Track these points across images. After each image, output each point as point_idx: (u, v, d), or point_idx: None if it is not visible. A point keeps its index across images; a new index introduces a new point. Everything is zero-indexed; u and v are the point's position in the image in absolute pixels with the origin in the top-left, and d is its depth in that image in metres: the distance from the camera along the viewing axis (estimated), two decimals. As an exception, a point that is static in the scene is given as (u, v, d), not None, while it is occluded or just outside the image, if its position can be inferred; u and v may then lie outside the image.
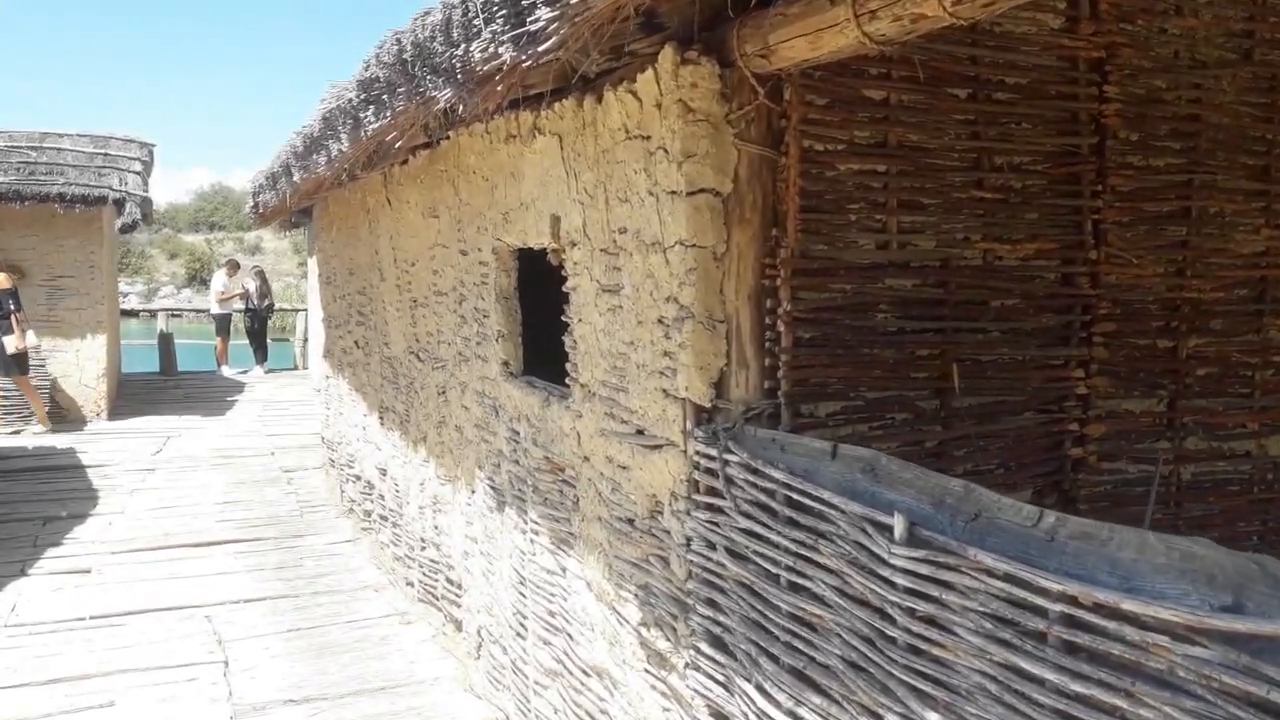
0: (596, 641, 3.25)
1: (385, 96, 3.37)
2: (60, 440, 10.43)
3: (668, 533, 2.76)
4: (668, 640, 2.79)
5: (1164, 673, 1.41)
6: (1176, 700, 1.37)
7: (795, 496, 2.19)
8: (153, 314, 18.98)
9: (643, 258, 2.75)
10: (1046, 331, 3.00)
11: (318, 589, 6.04)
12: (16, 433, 10.75)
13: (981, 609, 1.70)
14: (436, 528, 5.22)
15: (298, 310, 17.79)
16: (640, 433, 2.88)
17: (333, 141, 4.51)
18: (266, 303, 15.75)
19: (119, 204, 11.27)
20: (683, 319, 2.57)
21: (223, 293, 15.38)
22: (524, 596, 3.94)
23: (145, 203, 11.63)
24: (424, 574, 5.47)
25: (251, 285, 15.58)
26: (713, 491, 2.54)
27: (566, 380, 3.41)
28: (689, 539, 2.65)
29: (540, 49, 2.11)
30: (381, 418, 6.42)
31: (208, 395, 13.26)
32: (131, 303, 25.16)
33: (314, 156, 5.16)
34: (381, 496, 6.49)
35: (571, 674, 3.48)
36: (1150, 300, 3.17)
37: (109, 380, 11.75)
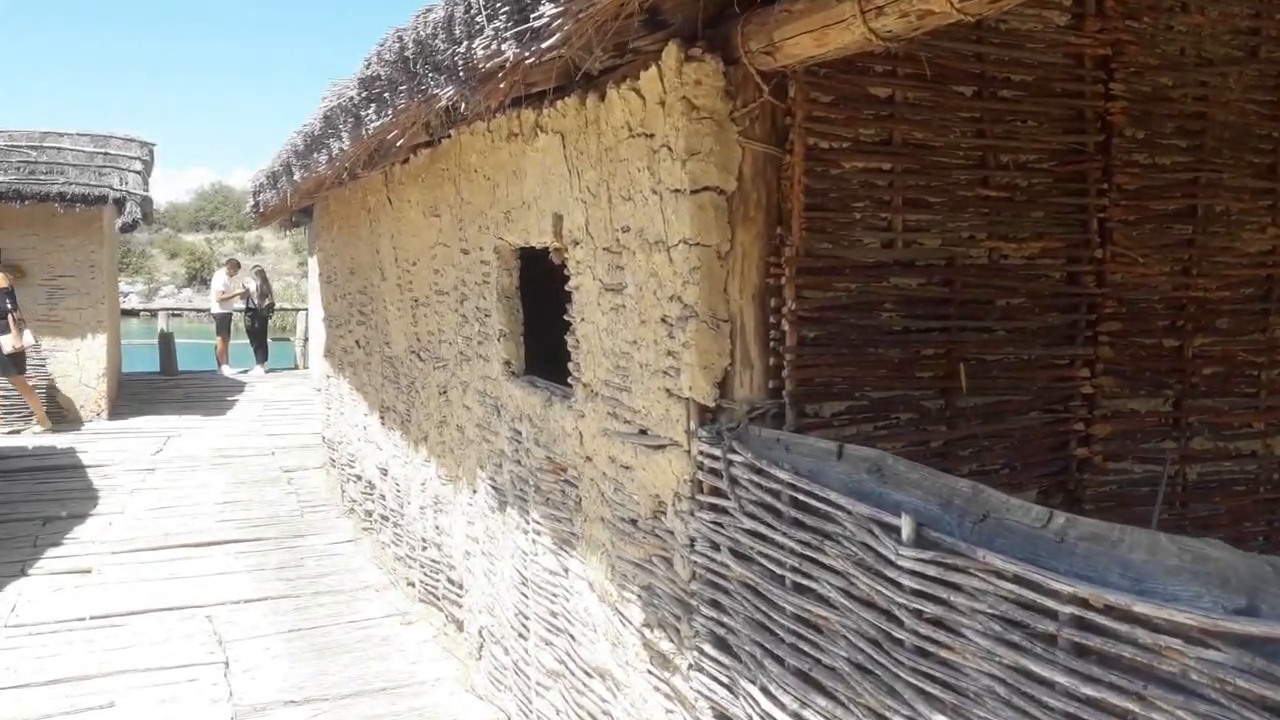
0: (599, 642, 3.23)
1: (387, 94, 3.35)
2: (60, 440, 10.42)
3: (671, 533, 2.74)
4: (671, 641, 2.77)
5: (1177, 676, 1.39)
6: (1190, 704, 1.36)
7: (801, 497, 2.17)
8: (153, 313, 18.97)
9: (646, 256, 2.74)
10: (1052, 331, 2.98)
11: (319, 589, 6.02)
12: (16, 432, 10.73)
13: (990, 611, 1.68)
14: (438, 528, 5.20)
15: (298, 310, 17.77)
16: (643, 433, 2.86)
17: (334, 140, 4.49)
18: (267, 302, 15.74)
19: (119, 203, 11.26)
20: (686, 318, 2.56)
21: (223, 292, 15.37)
22: (526, 597, 3.92)
23: (145, 202, 11.61)
24: (425, 574, 5.45)
25: (252, 285, 15.57)
26: (717, 492, 2.52)
27: (569, 380, 3.39)
28: (693, 539, 2.63)
29: (544, 45, 2.09)
30: (382, 417, 6.41)
31: (208, 395, 13.24)
32: (132, 302, 25.15)
33: (315, 155, 5.15)
34: (382, 496, 6.47)
35: (574, 675, 3.46)
36: (1156, 299, 3.15)
37: (109, 380, 11.73)
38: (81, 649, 5.03)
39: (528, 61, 2.24)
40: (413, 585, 5.70)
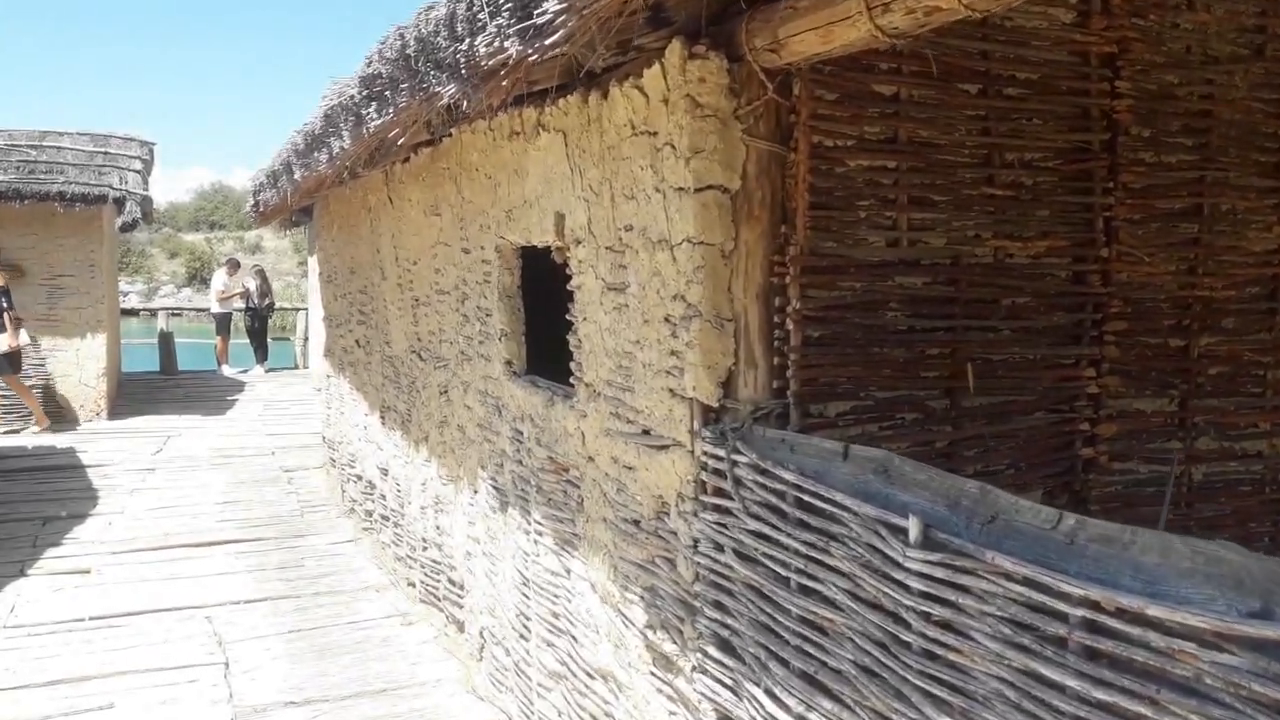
0: (601, 644, 3.22)
1: (388, 93, 3.33)
2: (60, 440, 10.40)
3: (674, 534, 2.72)
4: (674, 643, 2.76)
5: (1190, 680, 1.37)
6: (1204, 708, 1.34)
7: (806, 498, 2.15)
8: (153, 313, 18.95)
9: (649, 255, 2.72)
10: (1057, 330, 2.96)
11: (319, 589, 6.00)
12: (16, 432, 10.71)
13: (999, 613, 1.67)
14: (438, 528, 5.18)
15: (298, 309, 17.75)
16: (646, 433, 2.84)
17: (334, 139, 4.47)
18: (267, 302, 15.71)
19: (119, 203, 11.23)
20: (690, 317, 2.54)
21: (223, 292, 15.35)
22: (527, 598, 3.90)
23: (145, 201, 11.59)
24: (426, 574, 5.44)
25: (252, 284, 15.55)
26: (720, 492, 2.51)
27: (571, 380, 3.37)
28: (696, 540, 2.61)
29: (547, 42, 2.07)
30: (383, 417, 6.39)
31: (208, 394, 13.22)
32: (132, 302, 25.12)
33: (315, 154, 5.13)
34: (383, 496, 6.45)
35: (576, 676, 3.45)
36: (1162, 298, 3.13)
37: (109, 379, 11.71)
38: (81, 650, 5.01)
39: (531, 59, 2.22)
40: (413, 586, 5.68)
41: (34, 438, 10.48)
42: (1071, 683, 1.53)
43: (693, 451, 2.60)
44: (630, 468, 2.95)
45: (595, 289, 3.09)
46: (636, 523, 2.94)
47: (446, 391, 4.89)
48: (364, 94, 3.64)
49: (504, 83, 2.53)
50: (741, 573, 2.42)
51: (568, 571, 3.50)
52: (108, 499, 8.07)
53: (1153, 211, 3.08)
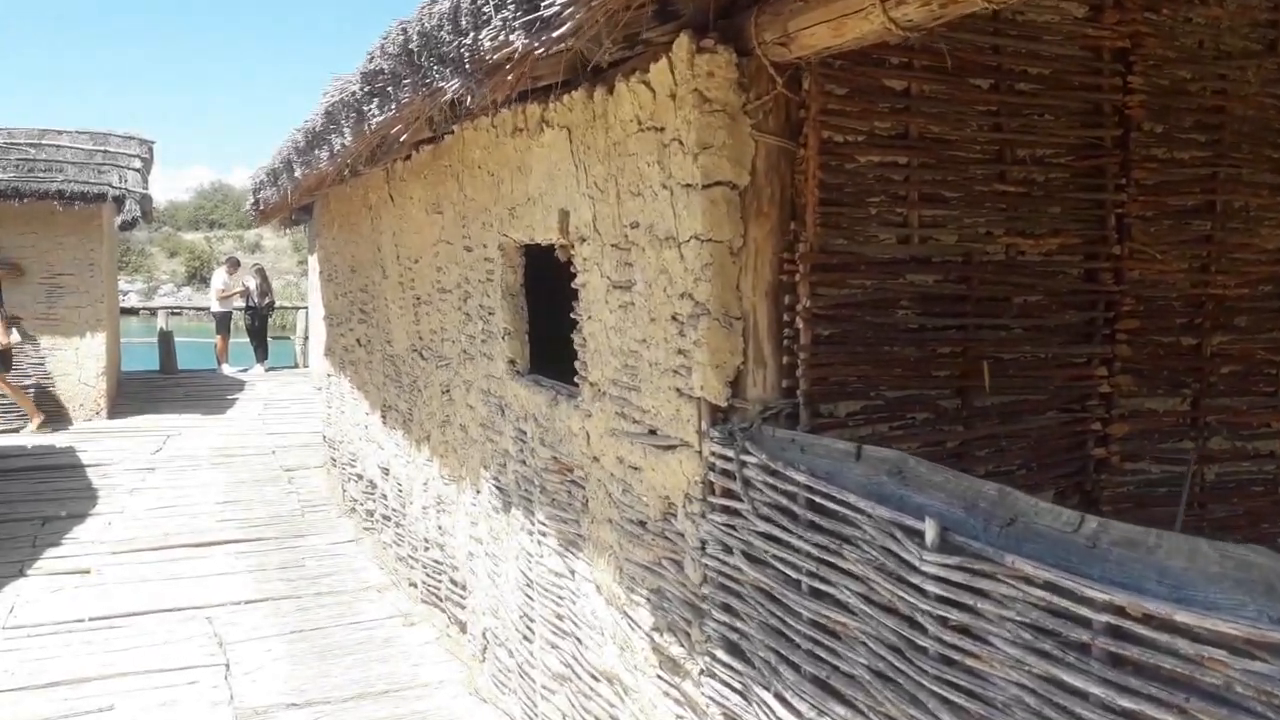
0: (606, 646, 3.18)
1: (390, 89, 3.29)
2: (59, 439, 10.36)
3: (681, 535, 2.69)
4: (681, 646, 2.72)
5: (1220, 688, 1.33)
6: (1234, 717, 1.30)
7: (817, 500, 2.11)
8: (153, 312, 18.90)
9: (656, 253, 2.68)
10: (1069, 328, 2.93)
11: (320, 590, 5.97)
12: (15, 431, 10.67)
13: (1019, 618, 1.63)
14: (440, 528, 5.14)
15: (298, 308, 17.70)
16: (653, 433, 2.80)
17: (335, 136, 4.44)
18: (267, 300, 15.67)
19: (118, 201, 11.19)
20: (698, 316, 2.50)
21: (223, 290, 15.30)
22: (531, 599, 3.86)
23: (145, 200, 11.54)
24: (427, 575, 5.40)
25: (252, 283, 15.51)
26: (729, 493, 2.47)
27: (575, 379, 3.33)
28: (704, 542, 2.57)
29: (554, 35, 2.03)
30: (384, 416, 6.35)
31: (208, 394, 13.18)
32: (131, 301, 25.07)
33: (316, 151, 5.09)
34: (384, 496, 6.41)
35: (580, 679, 3.41)
36: (1174, 296, 3.10)
37: (108, 378, 11.67)
38: (80, 651, 4.97)
39: (537, 52, 2.18)
40: (415, 586, 5.65)
41: (33, 437, 10.44)
42: (1095, 690, 1.49)
43: (700, 452, 2.57)
44: (636, 468, 2.91)
45: (600, 287, 3.05)
46: (642, 524, 2.90)
47: (449, 391, 4.85)
48: (366, 90, 3.60)
49: (509, 77, 2.50)
50: (751, 575, 2.38)
51: (572, 573, 3.47)
52: (107, 499, 8.04)
53: (1165, 208, 3.04)
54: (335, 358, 8.34)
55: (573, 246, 3.25)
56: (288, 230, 14.18)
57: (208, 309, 16.71)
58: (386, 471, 6.33)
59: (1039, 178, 2.83)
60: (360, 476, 7.11)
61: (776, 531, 2.26)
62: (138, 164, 11.43)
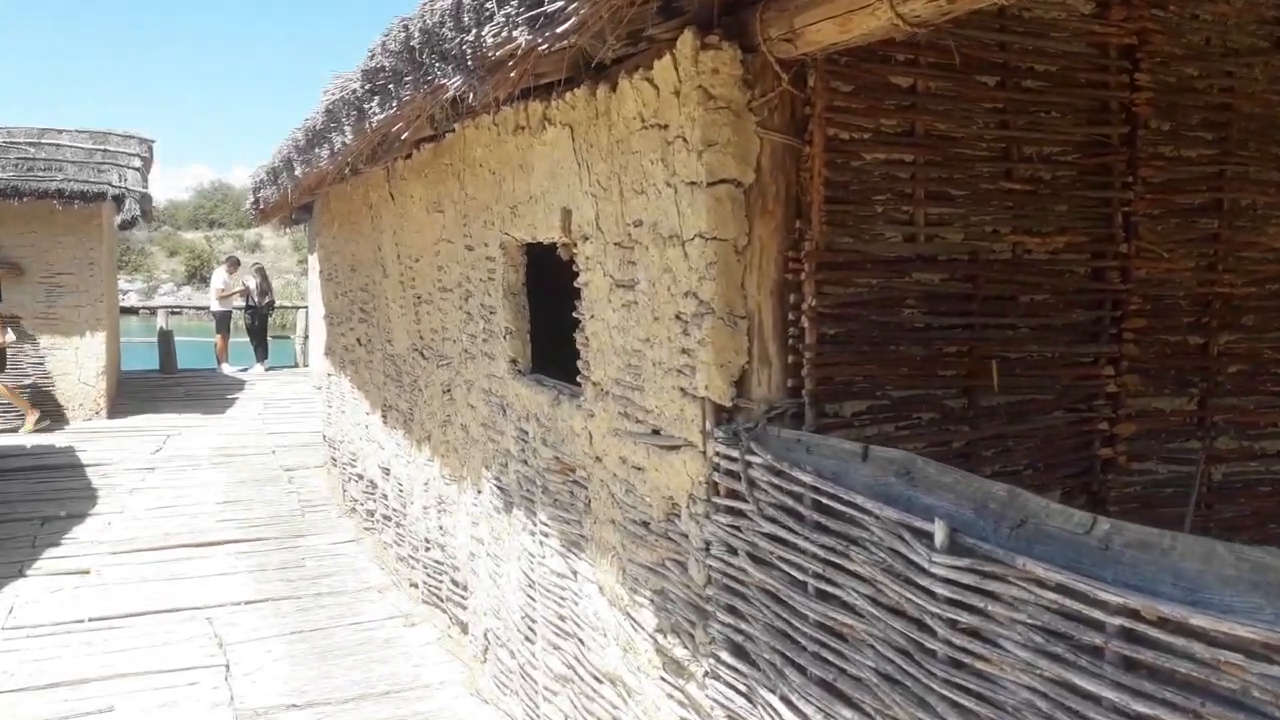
0: (609, 647, 3.16)
1: (391, 86, 3.26)
2: (59, 439, 10.34)
3: (685, 536, 2.66)
4: (685, 648, 2.70)
5: (1237, 693, 1.31)
6: (1252, 723, 1.28)
7: (824, 500, 2.09)
8: (152, 311, 18.88)
9: (660, 251, 2.66)
10: (1076, 327, 2.90)
11: (320, 590, 5.94)
12: (14, 430, 10.64)
13: (1030, 621, 1.61)
14: (441, 528, 5.12)
15: (298, 307, 17.68)
16: (656, 433, 2.78)
17: (336, 134, 4.41)
18: (267, 300, 15.65)
19: (118, 200, 11.17)
20: (702, 315, 2.48)
21: (223, 290, 15.28)
22: (533, 600, 3.84)
23: (145, 199, 11.52)
24: (428, 575, 5.38)
25: (252, 282, 15.48)
26: (734, 494, 2.45)
27: (577, 379, 3.31)
28: (708, 543, 2.55)
29: (559, 30, 2.00)
30: (384, 416, 6.33)
31: (208, 393, 13.15)
32: (131, 300, 25.05)
33: (316, 150, 5.06)
34: (384, 496, 6.39)
35: (583, 680, 3.39)
36: (1181, 295, 3.08)
37: (108, 378, 11.65)
38: (80, 651, 4.95)
39: (540, 48, 2.16)
40: (416, 586, 5.62)
41: (33, 436, 10.41)
42: (1108, 694, 1.47)
43: (704, 452, 2.54)
44: (639, 468, 2.89)
45: (603, 286, 3.03)
46: (646, 524, 2.88)
47: (449, 390, 4.83)
48: (367, 88, 3.57)
49: (511, 74, 2.47)
50: (756, 576, 2.36)
51: (574, 573, 3.44)
52: (107, 498, 8.01)
53: (1172, 206, 3.02)
54: (335, 357, 8.32)
55: (575, 245, 3.23)
56: (288, 229, 14.15)
57: (207, 308, 16.69)
58: (387, 471, 6.30)
59: (1045, 175, 2.81)
60: (361, 476, 7.09)
61: (782, 533, 2.24)
62: (137, 163, 11.41)
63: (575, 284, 3.24)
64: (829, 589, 2.11)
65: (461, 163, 4.34)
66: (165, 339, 15.21)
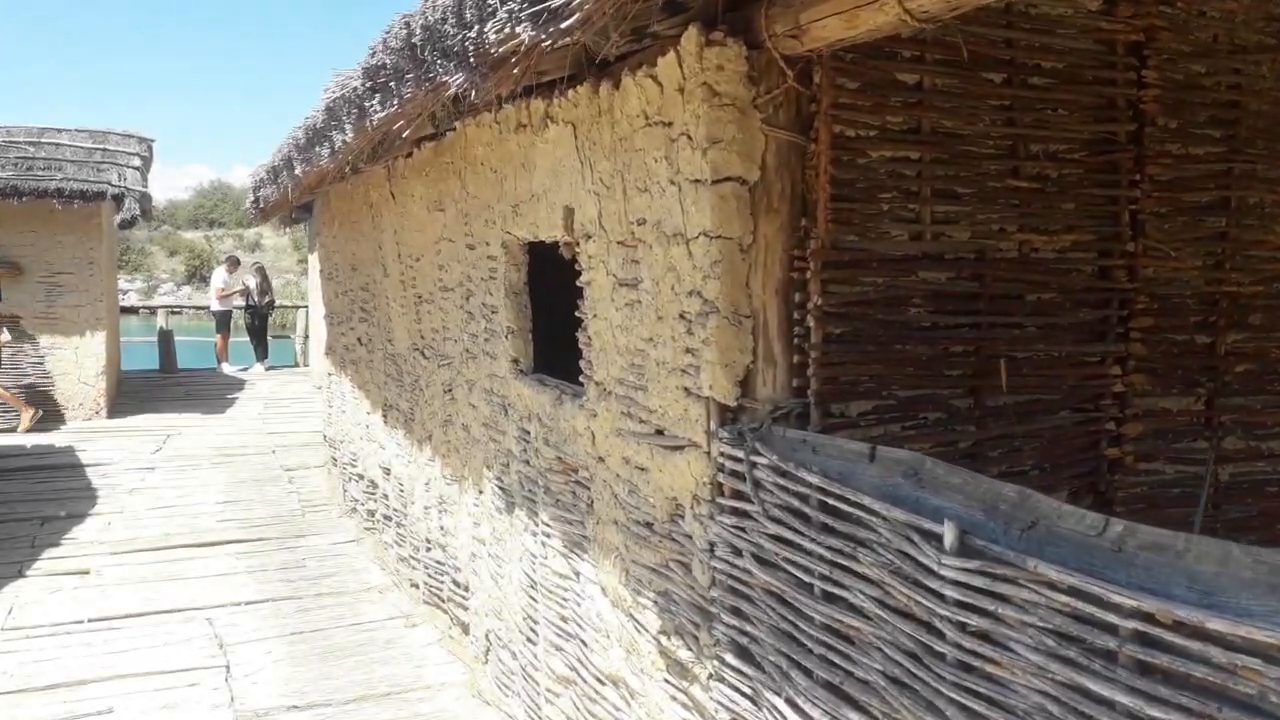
0: (612, 649, 3.13)
1: (393, 84, 3.24)
2: (58, 438, 10.32)
3: (689, 537, 2.64)
4: (689, 650, 2.67)
5: (1254, 698, 1.29)
6: (1270, 729, 1.26)
7: (831, 501, 2.07)
8: (152, 311, 18.87)
9: (663, 250, 2.63)
10: (1082, 326, 2.88)
11: (321, 590, 5.92)
12: (12, 430, 10.62)
13: (1042, 624, 1.58)
14: (442, 528, 5.10)
15: (298, 307, 17.66)
16: (660, 433, 2.76)
17: (336, 132, 4.39)
18: (267, 299, 15.63)
19: (118, 199, 11.15)
20: (706, 314, 2.45)
21: (223, 289, 15.26)
22: (535, 601, 3.82)
23: (144, 198, 11.50)
24: (429, 576, 5.35)
25: (252, 282, 15.46)
26: (738, 495, 2.42)
27: (580, 378, 3.29)
28: (712, 544, 2.53)
29: (563, 26, 1.98)
30: (385, 416, 6.31)
31: (208, 393, 13.13)
32: (131, 300, 25.05)
33: (317, 149, 5.04)
34: (385, 496, 6.37)
35: (585, 682, 3.36)
36: (1188, 294, 3.06)
37: (108, 378, 11.63)
38: (79, 653, 4.93)
39: (544, 44, 2.14)
40: (417, 587, 5.60)
41: (33, 436, 10.38)
42: (1122, 699, 1.45)
43: (709, 452, 2.52)
44: (643, 469, 2.87)
45: (606, 285, 3.01)
46: (649, 525, 2.85)
47: (451, 390, 4.81)
48: (368, 85, 3.55)
49: (514, 71, 2.45)
50: (761, 578, 2.34)
51: (577, 574, 3.42)
52: (107, 498, 7.99)
53: (1179, 205, 3.00)
54: (336, 357, 8.30)
55: (578, 244, 3.20)
56: (288, 229, 14.16)
57: (207, 308, 16.66)
58: (388, 471, 6.28)
59: (1052, 173, 2.79)
60: (361, 476, 7.06)
61: (788, 534, 2.22)
62: (137, 162, 11.39)
63: (578, 283, 3.22)
64: (835, 591, 2.08)
65: (463, 161, 4.31)
66: (165, 339, 15.19)
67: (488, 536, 4.37)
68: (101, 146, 11.26)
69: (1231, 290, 3.10)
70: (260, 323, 15.65)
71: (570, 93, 3.09)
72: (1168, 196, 2.96)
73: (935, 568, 1.75)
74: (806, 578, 2.17)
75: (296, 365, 15.98)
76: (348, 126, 4.13)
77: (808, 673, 2.17)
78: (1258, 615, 1.30)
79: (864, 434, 2.48)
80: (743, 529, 2.40)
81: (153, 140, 12.05)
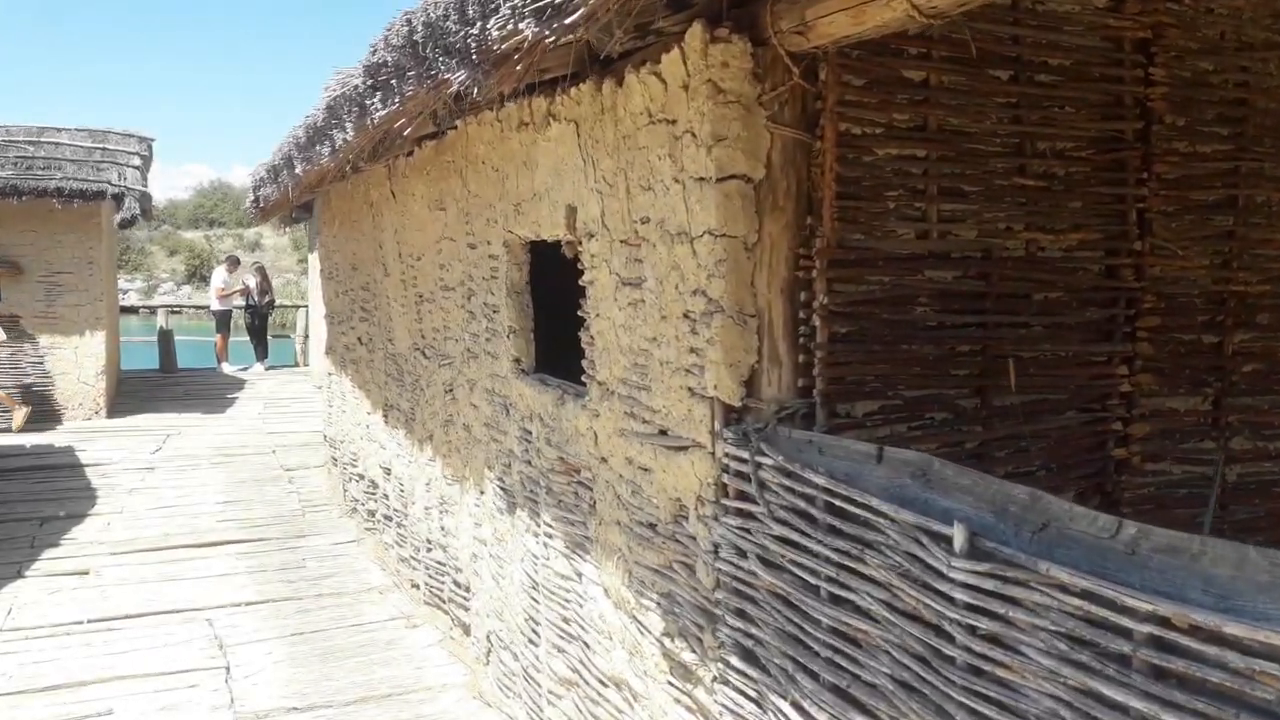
0: (615, 651, 3.11)
1: (394, 81, 3.22)
2: (58, 438, 10.29)
3: (693, 539, 2.62)
4: (693, 652, 2.65)
5: (1273, 703, 1.27)
6: (1289, 735, 1.23)
7: (837, 503, 2.04)
8: (152, 310, 18.85)
9: (667, 249, 2.61)
10: (1089, 326, 2.86)
11: (321, 591, 5.90)
12: (6, 430, 10.59)
13: (1054, 628, 1.56)
14: (443, 529, 5.08)
15: (298, 306, 17.65)
16: (663, 433, 2.74)
17: (337, 131, 4.36)
18: (267, 299, 15.61)
19: (118, 199, 11.12)
20: (711, 313, 2.43)
21: (223, 289, 15.23)
22: (536, 602, 3.80)
23: (144, 198, 11.47)
24: (430, 576, 5.33)
25: (252, 281, 15.44)
26: (743, 496, 2.40)
27: (582, 378, 3.26)
28: (717, 546, 2.50)
29: (566, 22, 1.96)
30: (385, 415, 6.28)
31: (208, 392, 13.11)
32: (131, 299, 25.02)
33: (317, 147, 5.02)
34: (386, 496, 6.35)
35: (588, 684, 3.34)
36: (1195, 293, 3.04)
37: (108, 377, 11.60)
38: (79, 654, 4.91)
39: (547, 40, 2.11)
40: (417, 587, 5.58)
41: (33, 436, 10.36)
42: (1136, 704, 1.43)
43: (713, 453, 2.50)
44: (646, 469, 2.84)
45: (609, 284, 2.98)
46: (652, 526, 2.83)
47: (452, 390, 4.79)
48: (369, 83, 3.53)
49: (517, 68, 2.42)
50: (766, 580, 2.32)
51: (579, 575, 3.40)
52: (106, 498, 7.97)
53: (1187, 203, 2.98)
54: (336, 356, 8.28)
55: (580, 243, 3.18)
56: (288, 228, 14.14)
57: (207, 307, 16.64)
58: (388, 471, 6.26)
59: (1059, 171, 2.76)
60: (362, 476, 7.04)
61: (794, 535, 2.20)
62: (137, 161, 11.36)
63: (580, 282, 3.20)
64: (842, 593, 2.06)
65: (464, 160, 4.29)
66: (165, 338, 15.17)
67: (489, 537, 4.34)
68: (101, 146, 11.23)
69: (1239, 289, 3.08)
70: (260, 322, 15.63)
71: (573, 90, 3.06)
72: (1175, 195, 2.94)
73: (945, 570, 1.72)
74: (813, 580, 2.15)
75: (296, 365, 15.95)
76: (349, 125, 4.11)
77: (814, 676, 2.15)
78: (1276, 619, 1.28)
79: (870, 434, 2.46)
80: (748, 530, 2.38)
81: (152, 139, 12.03)
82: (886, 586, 1.92)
